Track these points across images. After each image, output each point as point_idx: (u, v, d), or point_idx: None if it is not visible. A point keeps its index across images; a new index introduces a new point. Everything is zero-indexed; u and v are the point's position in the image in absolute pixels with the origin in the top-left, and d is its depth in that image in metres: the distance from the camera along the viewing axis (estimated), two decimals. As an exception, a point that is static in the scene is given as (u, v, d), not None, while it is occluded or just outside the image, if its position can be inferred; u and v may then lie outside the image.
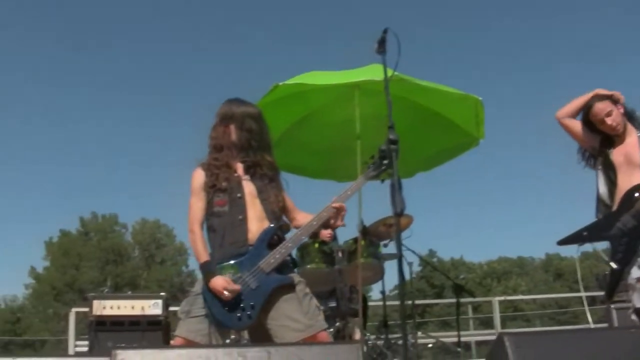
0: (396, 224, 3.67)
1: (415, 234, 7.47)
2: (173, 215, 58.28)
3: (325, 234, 7.32)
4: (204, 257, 4.22)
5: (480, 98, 7.62)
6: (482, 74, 76.40)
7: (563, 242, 4.94)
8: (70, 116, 74.57)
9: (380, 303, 12.55)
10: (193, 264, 55.37)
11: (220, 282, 4.05)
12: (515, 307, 47.46)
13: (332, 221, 4.30)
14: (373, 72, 7.28)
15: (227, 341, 4.40)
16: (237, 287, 4.05)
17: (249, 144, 4.41)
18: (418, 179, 8.97)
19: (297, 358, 2.88)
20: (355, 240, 7.27)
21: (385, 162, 4.29)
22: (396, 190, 3.59)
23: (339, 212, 4.28)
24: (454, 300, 8.33)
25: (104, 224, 57.47)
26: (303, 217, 4.46)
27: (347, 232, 7.64)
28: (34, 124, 73.12)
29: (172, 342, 5.41)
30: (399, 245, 3.80)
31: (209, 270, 4.16)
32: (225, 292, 4.02)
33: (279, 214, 4.40)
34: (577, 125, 5.33)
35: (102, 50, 74.04)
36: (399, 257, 3.71)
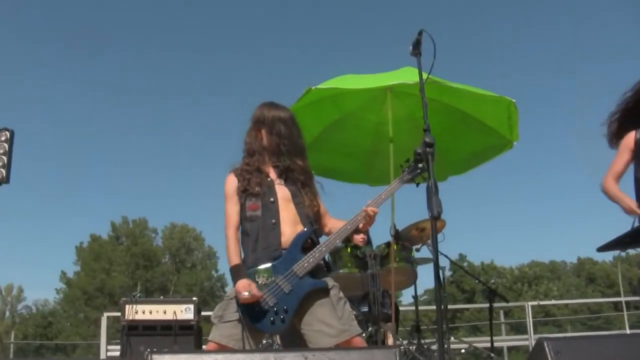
0: (432, 227, 3.60)
1: (446, 238, 7.43)
2: (202, 219, 58.61)
3: (358, 238, 7.32)
4: (235, 260, 4.22)
5: (514, 100, 7.58)
6: (515, 73, 75.96)
7: (603, 248, 4.82)
8: (98, 120, 75.30)
9: (409, 308, 12.54)
10: (223, 268, 55.70)
11: (242, 284, 4.05)
12: (547, 313, 47.15)
13: (360, 225, 4.26)
14: (405, 75, 7.29)
15: (260, 346, 4.37)
16: (259, 293, 4.04)
17: (279, 148, 4.40)
18: (448, 181, 8.90)
19: (334, 363, 2.84)
20: (388, 244, 7.25)
21: (421, 165, 4.26)
22: (433, 193, 3.55)
23: (369, 218, 4.24)
24: (485, 305, 8.26)
25: (134, 229, 57.80)
26: (334, 223, 4.45)
27: (379, 237, 7.64)
28: (60, 127, 73.98)
29: (204, 347, 5.39)
30: (436, 248, 3.74)
31: (237, 273, 4.16)
32: (245, 293, 4.00)
33: (313, 218, 4.38)
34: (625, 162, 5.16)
35: (133, 52, 74.84)
36: (436, 260, 3.67)
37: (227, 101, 76.32)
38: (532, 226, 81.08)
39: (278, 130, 4.40)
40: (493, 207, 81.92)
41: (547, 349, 3.12)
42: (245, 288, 4.02)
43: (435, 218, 3.52)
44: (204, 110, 79.20)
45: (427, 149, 3.83)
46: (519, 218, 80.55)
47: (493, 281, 58.34)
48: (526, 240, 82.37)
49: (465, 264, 58.32)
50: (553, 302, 43.06)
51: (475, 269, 58.43)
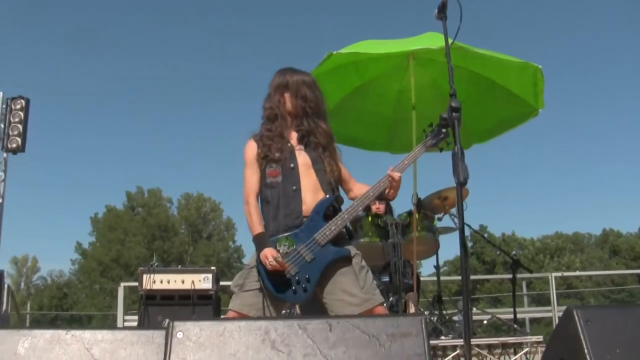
0: (458, 193, 3.57)
1: (468, 208, 7.43)
2: (219, 188, 58.64)
3: (374, 208, 7.31)
4: (258, 229, 4.21)
5: (540, 66, 7.51)
6: (540, 38, 75.19)
7: None
8: (110, 89, 75.45)
9: (430, 279, 12.55)
10: (240, 239, 55.84)
11: (268, 252, 4.04)
12: (569, 285, 47.09)
13: (387, 191, 4.24)
14: (429, 40, 7.24)
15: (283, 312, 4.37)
16: (285, 264, 4.04)
17: (305, 111, 4.37)
18: (470, 149, 8.79)
19: (359, 330, 2.84)
20: (410, 213, 7.27)
21: (445, 130, 4.24)
22: (459, 159, 3.52)
23: (395, 182, 4.22)
24: (506, 276, 8.27)
25: (149, 199, 57.91)
26: (359, 188, 4.42)
27: (401, 205, 7.64)
28: (75, 96, 74.26)
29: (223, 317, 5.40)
30: (461, 215, 3.73)
31: (261, 241, 4.15)
32: (271, 260, 3.99)
33: (334, 184, 4.36)
34: None
35: (148, 15, 74.74)
36: (461, 227, 3.66)
37: (245, 68, 76.41)
38: (555, 197, 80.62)
39: (303, 93, 4.38)
40: (515, 177, 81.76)
41: (576, 318, 3.11)
42: (273, 255, 4.01)
43: (462, 184, 3.49)
44: (220, 76, 79.19)
45: (454, 114, 3.79)
46: (541, 188, 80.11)
47: (514, 253, 58.31)
48: (549, 211, 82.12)
49: (485, 235, 58.34)
50: (577, 273, 43.00)
51: (496, 240, 58.38)
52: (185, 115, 77.70)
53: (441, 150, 4.34)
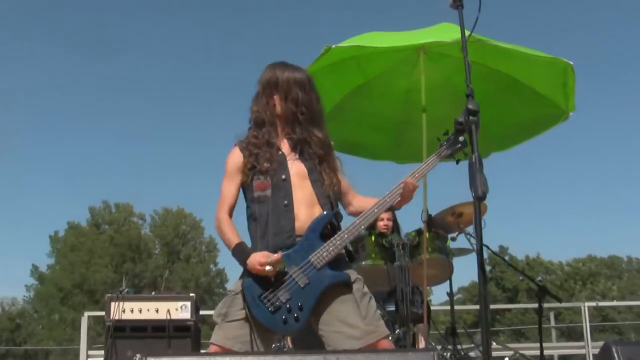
0: (476, 209, 3.56)
1: (486, 226, 7.44)
2: (201, 202, 58.51)
3: (382, 225, 7.30)
4: (235, 240, 4.17)
5: (572, 62, 7.46)
6: (572, 33, 75.38)
7: None
8: (74, 88, 75.51)
9: (441, 308, 12.52)
10: (223, 262, 55.77)
11: (257, 258, 3.99)
12: (605, 316, 47.05)
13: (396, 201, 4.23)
14: (442, 32, 7.26)
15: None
16: (277, 255, 3.98)
17: (296, 117, 4.32)
18: (490, 158, 8.83)
19: (362, 367, 2.84)
20: (419, 232, 7.23)
21: (462, 139, 4.23)
22: (477, 170, 3.51)
23: (409, 191, 4.23)
24: (531, 305, 8.26)
25: (117, 215, 57.79)
26: (360, 202, 4.43)
27: (409, 223, 7.64)
28: (34, 99, 74.20)
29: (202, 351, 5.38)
30: (480, 235, 3.69)
31: (243, 251, 4.12)
32: (267, 267, 3.93)
33: (333, 199, 4.32)
34: None
35: (115, 23, 74.90)
36: (480, 248, 3.63)
37: (233, 67, 76.54)
38: (588, 214, 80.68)
39: (294, 95, 4.32)
40: (541, 191, 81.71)
41: (616, 356, 3.09)
42: (265, 258, 3.97)
43: (480, 199, 3.48)
44: (205, 76, 79.43)
45: (471, 118, 3.76)
46: (571, 204, 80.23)
47: (540, 278, 58.27)
48: (580, 231, 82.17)
49: (506, 258, 58.32)
50: (614, 303, 42.85)
51: (518, 263, 58.36)
52: (161, 119, 77.78)
53: (458, 162, 4.34)
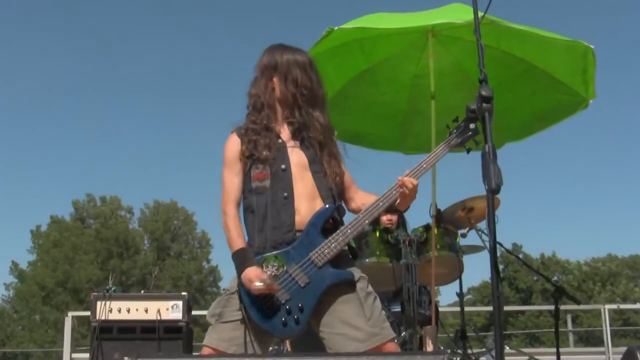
0: (490, 203, 3.55)
1: (499, 222, 7.42)
2: (194, 196, 58.47)
3: (385, 219, 7.30)
4: (239, 243, 4.16)
5: (592, 46, 7.41)
6: (593, 15, 75.24)
7: None
8: (57, 74, 75.46)
9: (450, 309, 12.51)
10: (217, 258, 55.80)
11: (253, 272, 3.98)
12: (626, 320, 47.01)
13: (397, 201, 4.19)
14: (452, 14, 7.25)
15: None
16: (274, 285, 3.97)
17: (295, 99, 4.32)
18: (504, 149, 8.84)
19: (366, 372, 2.84)
20: (427, 227, 7.22)
21: (473, 126, 4.21)
22: (490, 161, 3.50)
23: (408, 190, 4.17)
24: (547, 307, 8.26)
25: (103, 209, 57.73)
26: (362, 198, 4.42)
27: (416, 218, 7.64)
28: (14, 88, 74.19)
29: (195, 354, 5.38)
30: (493, 231, 3.69)
31: (243, 259, 4.10)
32: (257, 283, 3.92)
33: (336, 191, 4.32)
34: None
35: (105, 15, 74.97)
36: (493, 246, 3.63)
37: (226, 53, 76.55)
38: (607, 210, 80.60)
39: (294, 76, 4.32)
40: (558, 185, 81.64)
41: (640, 360, 3.10)
42: (258, 276, 3.94)
43: (494, 192, 3.48)
44: (196, 63, 79.39)
45: (484, 105, 3.74)
46: (590, 200, 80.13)
47: (556, 279, 58.30)
48: (599, 228, 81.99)
49: (520, 256, 58.29)
50: (636, 306, 42.76)
51: (533, 262, 58.36)
52: (150, 108, 77.78)
53: (468, 151, 4.32)
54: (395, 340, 6.22)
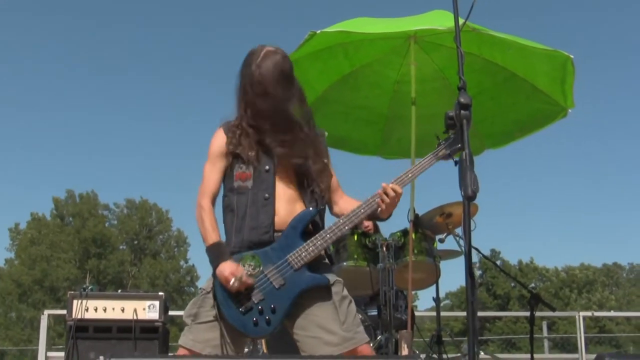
0: (466, 209, 3.59)
1: (476, 230, 7.44)
2: (168, 195, 58.29)
3: (365, 224, 7.31)
4: (213, 237, 4.17)
5: (572, 56, 7.40)
6: (570, 24, 75.56)
7: None
8: (36, 72, 75.24)
9: (427, 314, 12.54)
10: (194, 258, 55.67)
11: (228, 268, 3.99)
12: (602, 328, 47.24)
13: (379, 209, 4.19)
14: (435, 20, 7.28)
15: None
16: (250, 280, 3.99)
17: (279, 103, 4.26)
18: (483, 155, 8.89)
19: (339, 375, 2.86)
20: (405, 232, 7.20)
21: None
22: (467, 168, 3.54)
23: (390, 198, 4.16)
24: (522, 314, 8.31)
25: (81, 206, 57.50)
26: (346, 203, 4.42)
27: (394, 223, 7.64)
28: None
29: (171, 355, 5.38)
30: (469, 237, 3.73)
31: (217, 253, 4.11)
32: (232, 281, 3.93)
33: (319, 195, 4.33)
34: None
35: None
36: (468, 252, 3.67)
37: (207, 51, 76.48)
38: (586, 218, 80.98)
39: (270, 78, 4.23)
40: (536, 192, 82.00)
41: (608, 367, 3.13)
42: (234, 273, 3.96)
43: (470, 199, 3.51)
44: (177, 59, 79.34)
45: (462, 112, 3.78)
46: (568, 206, 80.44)
47: (533, 285, 58.51)
48: (577, 236, 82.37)
49: (498, 262, 58.43)
50: (612, 313, 42.96)
51: (511, 269, 58.59)
52: (126, 104, 77.63)
53: (456, 163, 4.31)
54: (371, 344, 6.26)
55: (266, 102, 4.27)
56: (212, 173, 4.32)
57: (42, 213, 56.82)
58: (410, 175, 4.26)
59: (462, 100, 3.81)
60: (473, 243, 6.39)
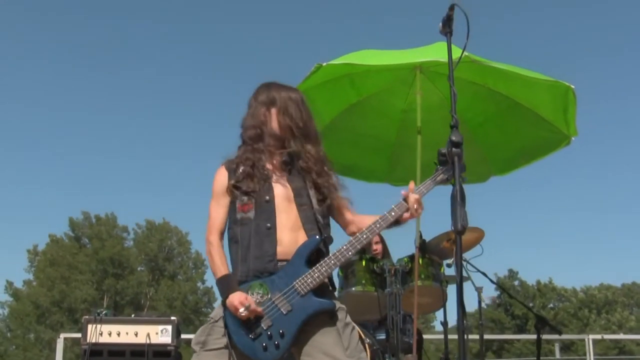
0: (458, 243, 3.75)
1: (493, 250, 7.49)
2: (187, 216, 58.24)
3: (373, 249, 7.40)
4: (222, 270, 4.31)
5: (573, 86, 7.51)
6: (573, 56, 75.35)
7: None
8: (57, 96, 75.39)
9: (436, 337, 12.51)
10: (212, 279, 55.35)
11: (237, 298, 4.12)
12: (622, 349, 46.82)
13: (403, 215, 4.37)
14: (439, 52, 7.33)
15: None
16: (259, 308, 4.12)
17: (292, 131, 4.47)
18: (494, 181, 9.00)
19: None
20: (412, 258, 7.24)
21: (462, 163, 4.35)
22: (458, 203, 3.69)
23: (415, 200, 4.35)
24: (530, 337, 8.35)
25: (99, 228, 57.38)
26: (362, 219, 4.54)
27: (402, 248, 7.67)
28: (12, 106, 73.95)
29: None
30: (460, 269, 3.94)
31: (227, 286, 4.25)
32: (242, 310, 4.07)
33: (322, 223, 4.45)
34: None
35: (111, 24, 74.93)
36: (459, 282, 3.84)
37: (221, 81, 76.60)
38: (603, 239, 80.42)
39: (290, 111, 4.49)
40: (554, 212, 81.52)
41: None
42: (243, 303, 4.08)
43: (460, 233, 3.66)
44: (193, 90, 79.45)
45: (454, 149, 3.94)
46: (586, 227, 79.92)
47: (552, 306, 58.10)
48: (595, 256, 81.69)
49: (516, 283, 58.20)
50: (621, 336, 42.47)
51: (529, 289, 58.24)
52: (147, 128, 77.71)
53: (453, 185, 4.44)
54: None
55: (285, 124, 4.48)
56: (218, 209, 4.46)
57: (60, 235, 56.77)
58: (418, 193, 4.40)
59: (453, 138, 4.00)
60: (480, 267, 6.54)
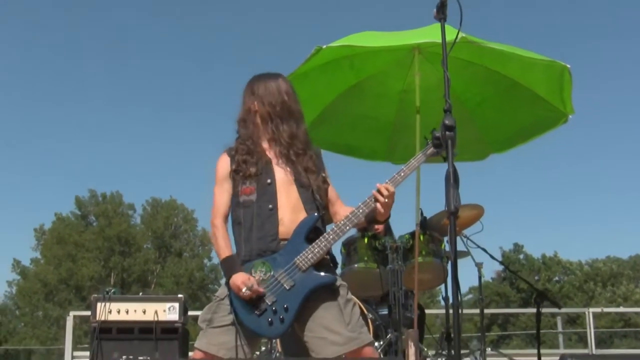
0: (451, 224, 3.88)
1: (498, 225, 7.52)
2: (193, 193, 58.24)
3: (376, 226, 7.52)
4: (226, 252, 4.50)
5: (568, 65, 7.60)
6: (568, 35, 75.13)
7: None
8: (60, 74, 75.27)
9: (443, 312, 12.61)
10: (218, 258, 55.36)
11: (240, 278, 4.28)
12: (627, 322, 46.74)
13: (377, 211, 4.47)
14: (437, 33, 7.38)
15: (257, 353, 4.54)
16: (261, 288, 4.27)
17: (270, 115, 4.68)
18: (499, 157, 9.14)
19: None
20: (413, 235, 7.35)
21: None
22: (451, 185, 3.80)
23: (383, 198, 4.44)
24: (529, 310, 8.38)
25: (105, 206, 57.42)
26: (347, 211, 4.62)
27: (403, 226, 7.76)
28: (14, 85, 73.88)
29: (190, 354, 5.60)
30: (454, 247, 4.00)
31: (230, 266, 4.43)
32: (244, 289, 4.23)
33: (320, 203, 4.61)
34: None
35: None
36: (454, 261, 3.95)
37: (219, 65, 76.48)
38: (609, 212, 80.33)
39: (269, 98, 4.70)
40: (560, 185, 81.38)
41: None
42: (245, 283, 4.24)
43: (453, 214, 3.78)
44: (196, 66, 79.29)
45: (447, 133, 4.06)
46: (591, 200, 79.86)
47: (557, 279, 58.09)
48: (601, 229, 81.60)
49: (521, 257, 58.14)
50: (621, 309, 42.39)
51: (534, 262, 58.14)
52: (153, 107, 77.73)
53: (445, 159, 4.52)
54: (381, 342, 6.54)
55: (266, 111, 4.71)
56: (221, 194, 4.66)
57: (66, 213, 56.86)
58: (402, 174, 4.52)
59: (447, 122, 4.14)
60: (481, 242, 6.63)
